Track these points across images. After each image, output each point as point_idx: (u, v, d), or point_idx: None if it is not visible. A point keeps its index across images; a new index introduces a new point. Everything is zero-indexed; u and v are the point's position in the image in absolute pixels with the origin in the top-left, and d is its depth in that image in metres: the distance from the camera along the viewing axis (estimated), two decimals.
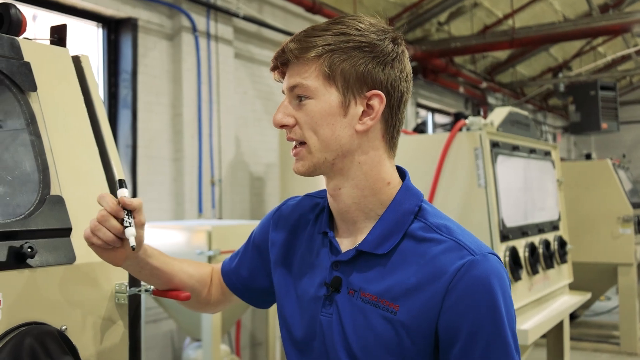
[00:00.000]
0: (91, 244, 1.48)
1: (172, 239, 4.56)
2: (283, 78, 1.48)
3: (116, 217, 1.46)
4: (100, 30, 5.61)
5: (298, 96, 1.42)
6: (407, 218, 1.44)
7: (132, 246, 1.45)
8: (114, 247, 1.48)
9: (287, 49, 1.42)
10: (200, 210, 5.89)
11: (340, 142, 1.41)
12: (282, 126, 1.44)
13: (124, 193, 1.47)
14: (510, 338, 1.33)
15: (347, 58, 1.39)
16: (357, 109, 1.41)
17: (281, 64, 1.46)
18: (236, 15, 6.35)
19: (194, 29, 5.91)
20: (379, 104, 1.41)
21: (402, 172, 1.52)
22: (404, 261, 1.40)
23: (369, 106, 1.41)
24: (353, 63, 1.39)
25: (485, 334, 1.31)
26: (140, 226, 1.50)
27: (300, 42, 1.41)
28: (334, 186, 1.47)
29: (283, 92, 1.47)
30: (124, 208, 1.46)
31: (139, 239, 1.52)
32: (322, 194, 1.64)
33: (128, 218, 1.45)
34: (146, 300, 4.91)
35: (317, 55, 1.39)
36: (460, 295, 1.32)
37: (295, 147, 1.46)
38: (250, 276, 1.75)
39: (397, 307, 1.36)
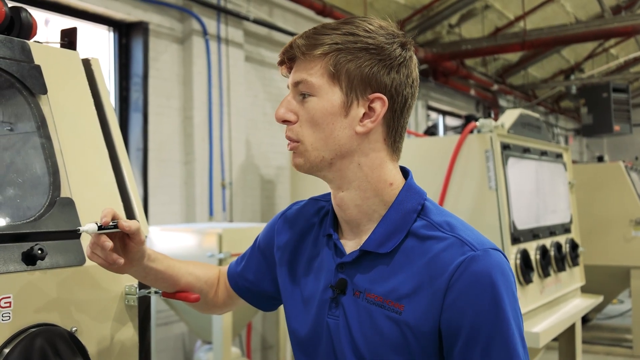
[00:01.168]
0: (94, 261, 1.50)
1: (183, 241, 4.57)
2: (289, 74, 1.48)
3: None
4: (112, 34, 5.63)
5: (301, 93, 1.42)
6: (410, 217, 1.43)
7: (77, 229, 1.46)
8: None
9: (295, 45, 1.42)
10: (211, 213, 5.90)
11: (339, 142, 1.40)
12: (284, 121, 1.45)
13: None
14: (516, 334, 1.32)
15: (354, 59, 1.38)
16: (359, 110, 1.40)
17: (288, 60, 1.46)
18: (246, 19, 6.36)
19: (204, 33, 5.93)
20: (380, 107, 1.40)
21: (405, 172, 1.52)
22: (407, 260, 1.40)
23: (370, 109, 1.40)
24: (359, 64, 1.38)
25: (487, 330, 1.30)
26: (140, 243, 1.53)
27: (309, 38, 1.41)
28: (337, 188, 1.47)
29: (288, 87, 1.48)
30: (115, 227, 1.47)
31: (141, 252, 1.55)
32: (327, 197, 1.64)
33: (112, 226, 1.46)
34: (157, 303, 4.92)
35: (324, 53, 1.39)
36: (460, 291, 1.31)
37: (290, 142, 1.46)
38: (255, 280, 1.76)
39: (402, 307, 1.36)
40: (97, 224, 1.44)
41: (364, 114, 1.40)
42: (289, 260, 1.63)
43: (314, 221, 1.63)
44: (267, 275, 1.73)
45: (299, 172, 1.49)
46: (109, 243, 1.45)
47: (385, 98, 1.40)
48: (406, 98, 1.44)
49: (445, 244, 1.36)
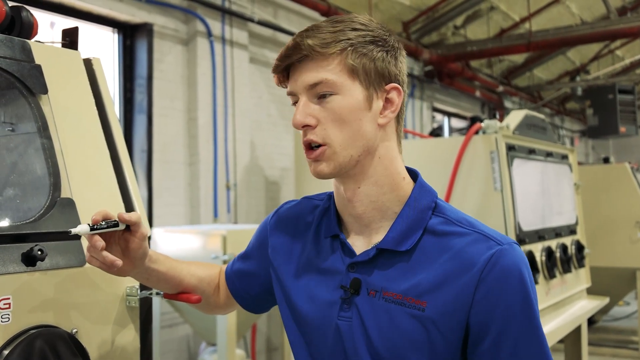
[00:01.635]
0: (93, 264, 1.48)
1: (188, 243, 4.56)
2: (282, 83, 1.46)
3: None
4: (116, 35, 5.63)
5: (321, 94, 1.39)
6: (426, 214, 1.43)
7: (67, 230, 1.43)
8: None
9: (305, 45, 1.37)
10: (215, 214, 5.90)
11: (366, 137, 1.40)
12: (305, 126, 1.40)
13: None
14: (541, 326, 1.35)
15: (367, 52, 1.38)
16: (378, 102, 1.41)
17: (297, 62, 1.41)
18: (251, 20, 6.36)
19: (209, 34, 5.92)
20: (397, 97, 1.42)
21: (413, 173, 1.52)
22: (426, 257, 1.39)
23: (387, 100, 1.42)
24: (372, 57, 1.39)
25: (518, 323, 1.33)
26: (142, 239, 1.50)
27: (318, 38, 1.38)
28: (353, 185, 1.44)
29: (292, 94, 1.44)
30: (112, 226, 1.45)
31: (143, 250, 1.53)
32: (320, 197, 1.63)
33: (105, 225, 1.43)
34: (162, 305, 4.92)
35: (341, 49, 1.37)
36: (492, 285, 1.32)
37: (312, 148, 1.41)
38: (249, 281, 1.74)
39: (424, 304, 1.35)
40: (89, 224, 1.42)
41: (382, 105, 1.42)
42: (287, 260, 1.60)
43: (309, 220, 1.61)
44: (258, 277, 1.71)
45: (303, 174, 1.47)
46: (101, 243, 1.42)
47: (400, 87, 1.43)
48: (406, 85, 1.48)
49: (470, 239, 1.38)
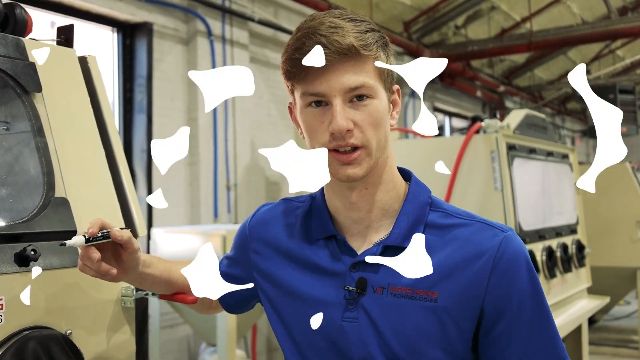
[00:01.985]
0: (85, 272, 1.46)
1: (188, 243, 4.54)
2: (294, 80, 1.37)
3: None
4: (116, 35, 5.62)
5: (357, 96, 1.33)
6: (425, 209, 1.44)
7: (61, 242, 1.38)
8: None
9: (348, 45, 1.30)
10: (215, 214, 5.88)
11: (388, 138, 1.40)
12: (348, 131, 1.32)
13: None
14: (548, 304, 1.40)
15: (387, 54, 1.39)
16: (390, 105, 1.42)
17: (329, 62, 1.28)
18: (251, 20, 6.34)
19: (209, 34, 5.91)
20: (398, 97, 1.44)
21: (404, 171, 1.52)
22: (431, 250, 1.35)
23: (393, 101, 1.43)
24: (388, 59, 1.39)
25: (530, 304, 1.36)
26: (134, 252, 1.48)
27: (357, 38, 1.31)
28: (362, 187, 1.42)
29: (319, 95, 1.34)
30: (104, 237, 1.42)
31: (135, 261, 1.51)
32: (301, 199, 1.60)
33: (100, 236, 1.41)
34: (162, 306, 4.90)
35: (376, 52, 1.35)
36: (505, 271, 1.35)
37: (344, 152, 1.34)
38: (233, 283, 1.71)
39: (436, 294, 1.35)
40: (84, 235, 1.39)
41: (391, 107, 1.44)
42: (273, 263, 1.57)
43: (291, 221, 1.58)
44: (244, 281, 1.66)
45: None
46: (96, 254, 1.40)
47: (399, 88, 1.44)
48: None
49: (473, 229, 1.40)
